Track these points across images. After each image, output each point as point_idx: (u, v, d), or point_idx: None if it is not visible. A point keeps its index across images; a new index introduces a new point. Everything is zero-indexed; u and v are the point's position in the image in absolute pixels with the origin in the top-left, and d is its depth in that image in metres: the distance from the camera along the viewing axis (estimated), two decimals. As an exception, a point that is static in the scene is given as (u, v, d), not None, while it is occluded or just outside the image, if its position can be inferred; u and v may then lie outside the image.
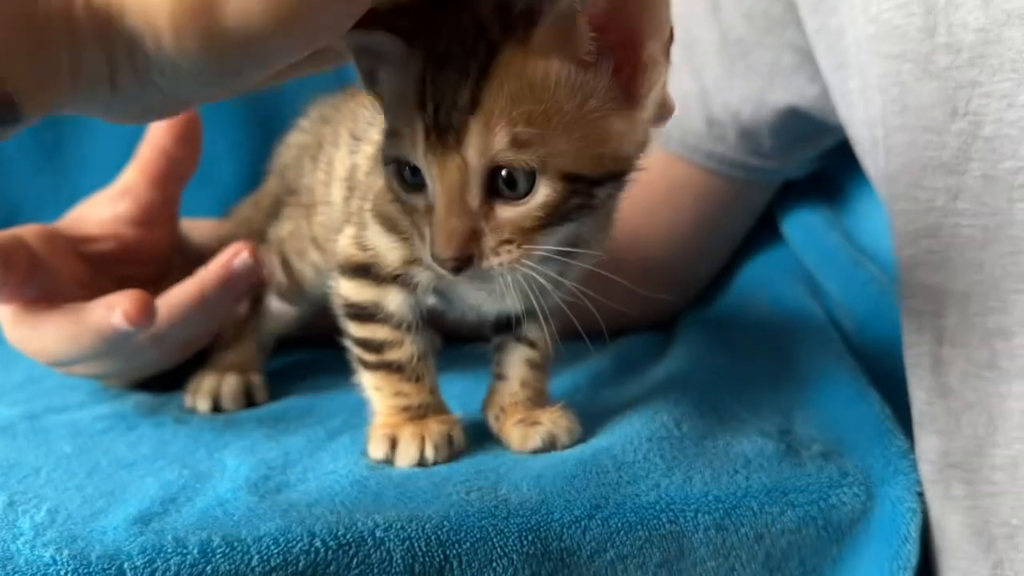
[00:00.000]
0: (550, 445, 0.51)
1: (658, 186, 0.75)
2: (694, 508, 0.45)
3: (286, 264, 0.62)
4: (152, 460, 0.50)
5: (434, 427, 0.50)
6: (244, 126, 0.95)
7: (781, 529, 0.47)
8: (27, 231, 0.57)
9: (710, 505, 0.46)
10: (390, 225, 0.48)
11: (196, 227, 0.70)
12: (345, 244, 0.51)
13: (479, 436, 0.53)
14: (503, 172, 0.40)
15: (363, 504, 0.44)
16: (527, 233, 0.41)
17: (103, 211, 0.63)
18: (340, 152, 0.57)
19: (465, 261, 0.41)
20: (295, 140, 0.66)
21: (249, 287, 0.61)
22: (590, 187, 0.42)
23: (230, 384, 0.60)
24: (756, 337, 0.69)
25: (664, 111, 0.42)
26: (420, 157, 0.41)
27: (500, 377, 0.54)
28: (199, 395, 0.59)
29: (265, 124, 0.92)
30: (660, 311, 0.78)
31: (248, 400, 0.60)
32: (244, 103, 0.98)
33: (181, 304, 0.57)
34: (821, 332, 0.66)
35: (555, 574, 0.43)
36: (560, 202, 0.41)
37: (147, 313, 0.52)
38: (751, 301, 0.75)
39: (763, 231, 0.81)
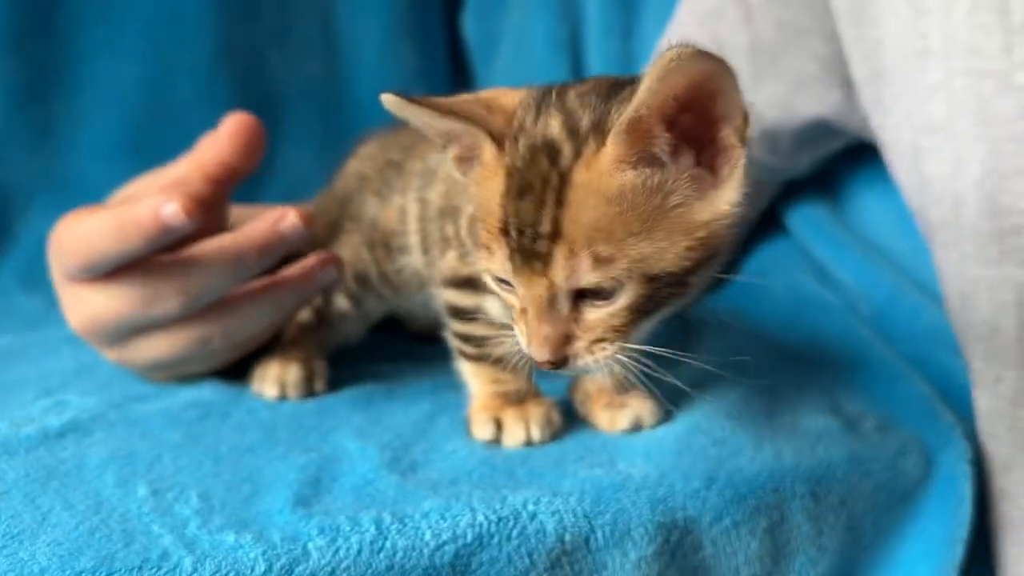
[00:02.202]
0: (636, 426, 0.55)
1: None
2: (791, 478, 0.50)
3: (343, 286, 0.63)
4: (269, 446, 0.51)
5: (534, 409, 0.53)
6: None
7: (859, 495, 0.52)
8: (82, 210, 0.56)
9: (803, 475, 0.51)
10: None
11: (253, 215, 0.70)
12: (450, 263, 0.54)
13: (567, 417, 0.56)
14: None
15: (500, 481, 0.47)
16: (619, 329, 0.44)
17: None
18: (410, 197, 0.60)
19: (561, 361, 0.44)
20: (355, 169, 0.67)
21: (315, 288, 0.60)
22: (682, 277, 0.43)
23: (294, 373, 0.61)
24: (779, 323, 0.75)
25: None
26: (509, 274, 0.44)
27: None
28: (266, 383, 0.60)
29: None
30: None
31: (309, 387, 0.61)
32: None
33: (217, 254, 0.55)
34: (844, 318, 0.72)
35: (681, 541, 0.47)
36: (649, 295, 0.43)
37: (194, 211, 0.51)
38: (764, 290, 0.80)
39: (762, 226, 0.87)
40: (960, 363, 0.63)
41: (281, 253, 0.57)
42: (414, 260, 0.61)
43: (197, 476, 0.47)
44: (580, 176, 0.41)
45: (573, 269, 0.42)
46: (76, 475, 0.47)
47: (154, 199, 0.52)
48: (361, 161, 0.67)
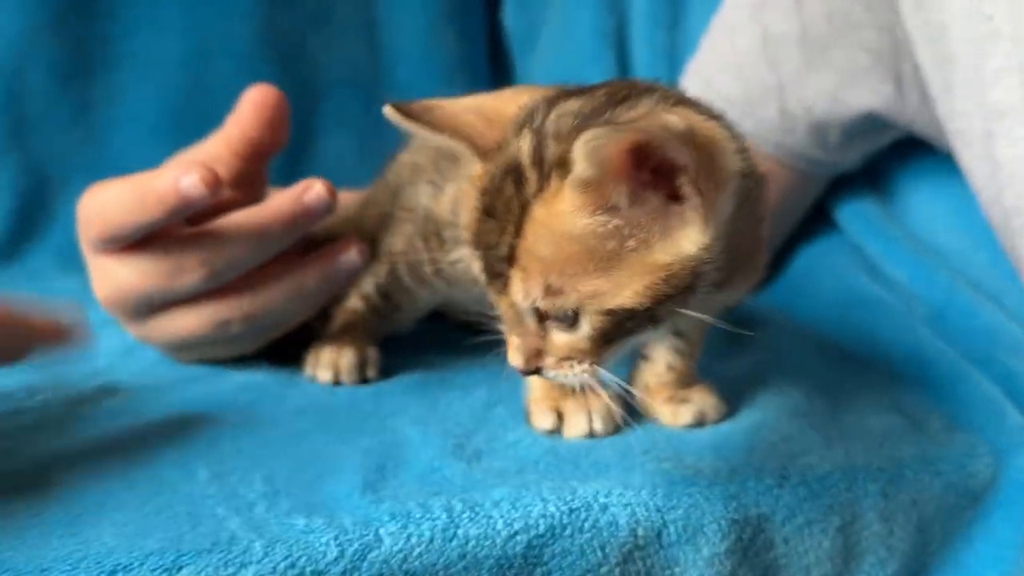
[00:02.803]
0: (700, 421, 0.53)
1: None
2: (863, 477, 0.49)
3: (395, 276, 0.62)
4: (328, 430, 0.50)
5: (594, 401, 0.52)
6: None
7: (930, 496, 0.51)
8: None
9: (875, 474, 0.50)
10: None
11: None
12: None
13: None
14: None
15: (567, 471, 0.46)
16: (586, 353, 0.44)
17: None
18: (463, 187, 0.58)
19: (534, 371, 0.45)
20: (408, 159, 0.66)
21: (344, 275, 0.59)
22: (649, 310, 0.43)
23: (348, 358, 0.60)
24: (830, 321, 0.73)
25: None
26: (484, 285, 0.45)
27: (645, 358, 0.56)
28: (320, 367, 0.59)
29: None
30: None
31: (362, 373, 0.60)
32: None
33: (241, 227, 0.54)
34: (899, 316, 0.70)
35: (754, 538, 0.46)
36: (611, 328, 0.43)
37: (214, 183, 0.51)
38: (813, 287, 0.79)
39: (809, 221, 0.86)
40: (1020, 364, 0.62)
41: (307, 226, 0.56)
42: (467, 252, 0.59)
43: (258, 459, 0.46)
44: (539, 212, 0.42)
45: (527, 293, 0.42)
46: (135, 456, 0.46)
47: (174, 170, 0.51)
48: (415, 152, 0.66)
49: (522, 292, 0.43)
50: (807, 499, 0.47)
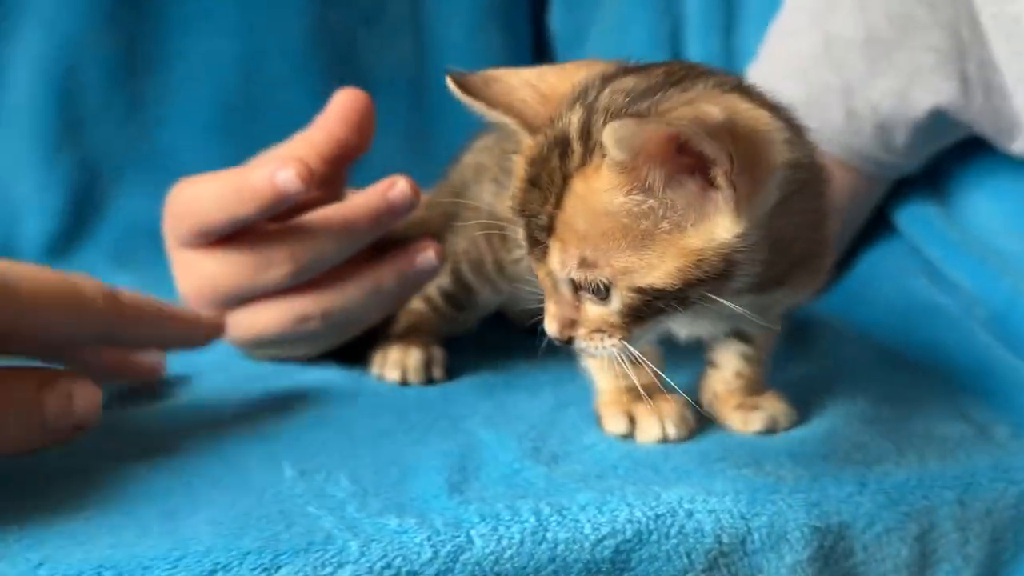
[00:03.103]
0: (771, 428, 0.53)
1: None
2: (939, 485, 0.49)
3: (458, 276, 0.63)
4: (404, 430, 0.51)
5: (666, 406, 0.52)
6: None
7: (1005, 504, 0.50)
8: None
9: (950, 482, 0.49)
10: None
11: None
12: None
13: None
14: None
15: (647, 476, 0.46)
16: (616, 327, 0.44)
17: None
18: None
19: (567, 340, 0.46)
20: (471, 160, 0.66)
21: (421, 276, 0.59)
22: (679, 292, 0.43)
23: (414, 357, 0.60)
24: (890, 327, 0.73)
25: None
26: (526, 253, 0.46)
27: (713, 365, 0.55)
28: (388, 366, 0.59)
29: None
30: None
31: (428, 373, 0.61)
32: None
33: (327, 223, 0.55)
34: (960, 322, 0.70)
35: (835, 546, 0.45)
36: (641, 306, 0.43)
37: (308, 178, 0.51)
38: (873, 292, 0.79)
39: (869, 226, 0.85)
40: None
41: (392, 222, 0.56)
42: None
43: (340, 458, 0.46)
44: (579, 186, 0.42)
45: (563, 264, 0.43)
46: (219, 453, 0.46)
47: (269, 165, 0.52)
48: (478, 152, 0.66)
49: (559, 262, 0.43)
50: (886, 507, 0.47)
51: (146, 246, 0.89)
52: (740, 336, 0.54)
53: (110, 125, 0.90)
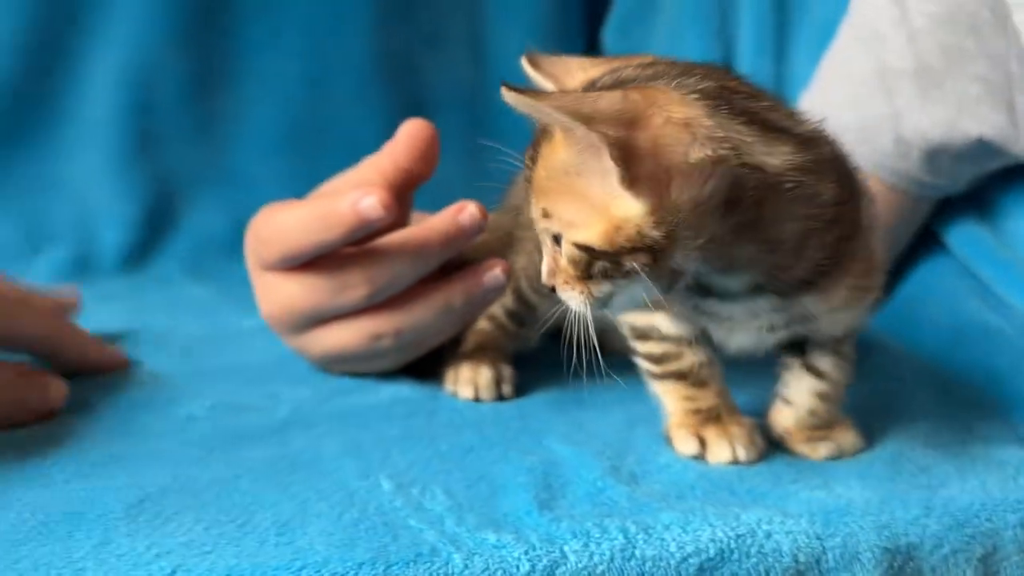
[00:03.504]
0: (837, 457, 0.55)
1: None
2: (1002, 508, 0.51)
3: (519, 293, 0.65)
4: (486, 446, 0.53)
5: (736, 429, 0.54)
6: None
7: (1065, 530, 0.52)
8: None
9: (1013, 506, 0.51)
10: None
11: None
12: None
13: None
14: None
15: (724, 497, 0.48)
16: (578, 280, 0.47)
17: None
18: None
19: (552, 289, 0.49)
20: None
21: (488, 293, 0.61)
22: (613, 256, 0.45)
23: (485, 375, 0.62)
24: (941, 348, 0.75)
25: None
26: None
27: (785, 401, 0.56)
28: (460, 383, 0.62)
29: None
30: None
31: (498, 390, 0.63)
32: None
33: (401, 246, 0.57)
34: (1014, 343, 0.72)
35: (903, 567, 0.47)
36: (584, 263, 0.46)
37: (390, 205, 0.55)
38: (924, 312, 0.80)
39: (918, 244, 0.87)
40: None
41: (462, 245, 0.59)
42: None
43: (431, 472, 0.49)
44: (545, 146, 0.47)
45: (535, 214, 0.48)
46: (316, 466, 0.49)
47: (353, 193, 0.55)
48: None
49: (534, 212, 0.48)
50: (952, 528, 0.49)
51: (217, 258, 0.93)
52: (815, 371, 0.55)
53: (183, 140, 0.94)
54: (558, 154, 0.46)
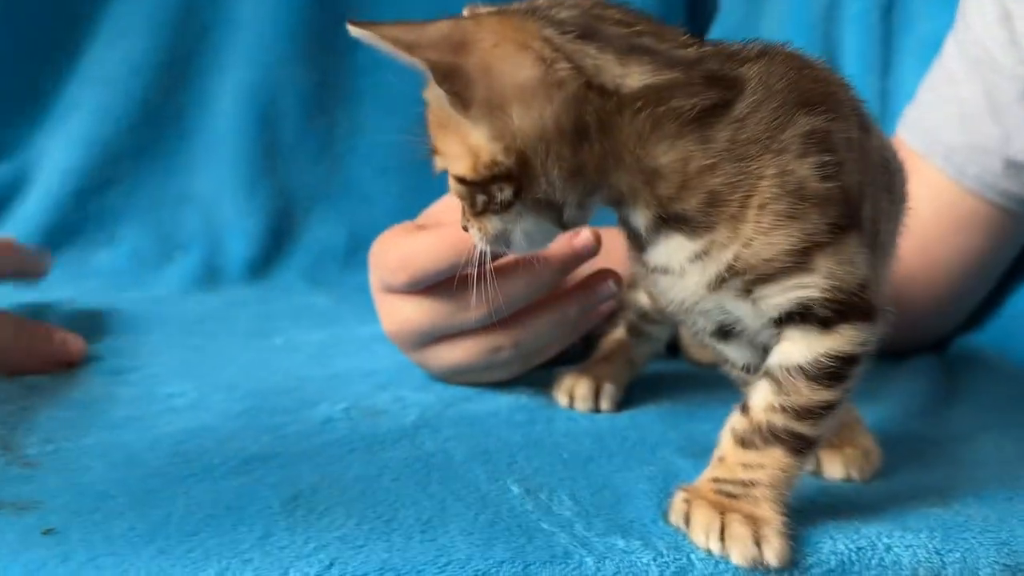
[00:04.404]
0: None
1: (948, 216, 0.80)
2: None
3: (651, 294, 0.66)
4: (606, 456, 0.55)
5: (849, 451, 0.55)
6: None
7: None
8: None
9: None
10: None
11: None
12: None
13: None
14: None
15: (844, 511, 0.50)
16: (474, 217, 0.48)
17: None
18: None
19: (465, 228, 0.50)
20: None
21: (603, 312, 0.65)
22: (484, 187, 0.46)
23: (583, 387, 0.64)
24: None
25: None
26: None
27: (743, 408, 0.49)
28: (559, 390, 0.65)
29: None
30: (930, 335, 0.84)
31: (595, 403, 0.64)
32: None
33: (518, 268, 0.59)
34: None
35: (1024, 585, 0.48)
36: (467, 196, 0.47)
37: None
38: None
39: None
40: None
41: (575, 268, 0.61)
42: None
43: (558, 479, 0.52)
44: (429, 86, 0.46)
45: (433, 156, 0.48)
46: (449, 468, 0.52)
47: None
48: None
49: (434, 152, 0.48)
50: (1070, 548, 0.49)
51: (334, 268, 0.98)
52: (771, 377, 0.48)
53: (304, 157, 0.99)
54: (432, 90, 0.46)
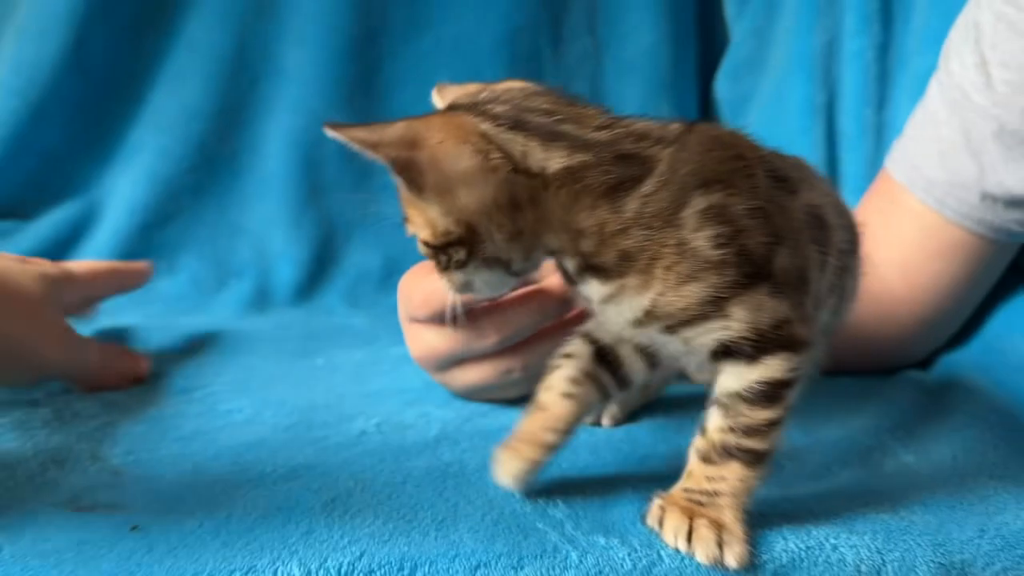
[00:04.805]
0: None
1: (931, 244, 0.87)
2: (1053, 535, 0.58)
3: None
4: (600, 465, 0.64)
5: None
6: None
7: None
8: None
9: (1064, 534, 0.58)
10: None
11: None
12: None
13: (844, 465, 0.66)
14: None
15: (799, 515, 0.57)
16: (441, 271, 0.56)
17: None
18: None
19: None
20: None
21: None
22: (443, 250, 0.54)
23: None
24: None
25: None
26: None
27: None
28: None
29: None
30: (916, 353, 0.91)
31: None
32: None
33: (526, 302, 0.68)
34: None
35: (957, 580, 0.56)
36: (432, 256, 0.55)
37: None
38: (1011, 344, 0.86)
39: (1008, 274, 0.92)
40: None
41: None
42: None
43: (554, 485, 0.60)
44: None
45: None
46: (462, 476, 0.61)
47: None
48: None
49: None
50: (1003, 549, 0.56)
51: (371, 291, 1.08)
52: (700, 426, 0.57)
53: (344, 191, 1.09)
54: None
